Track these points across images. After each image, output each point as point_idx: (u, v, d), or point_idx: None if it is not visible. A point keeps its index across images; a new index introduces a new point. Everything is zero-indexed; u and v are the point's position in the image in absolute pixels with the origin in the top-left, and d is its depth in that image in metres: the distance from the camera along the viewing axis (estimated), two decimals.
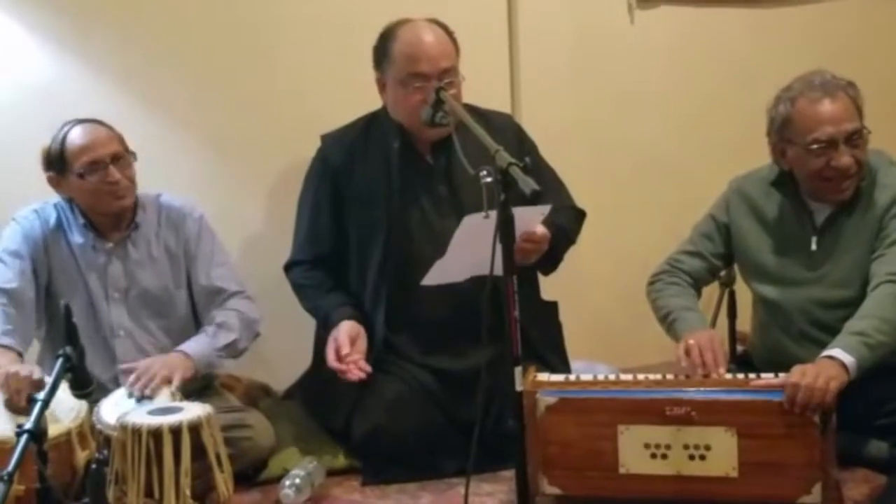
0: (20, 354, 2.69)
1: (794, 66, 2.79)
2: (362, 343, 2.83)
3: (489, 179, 2.24)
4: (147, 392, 2.58)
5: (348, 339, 2.80)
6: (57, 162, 2.79)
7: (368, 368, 2.76)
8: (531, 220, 2.63)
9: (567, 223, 2.98)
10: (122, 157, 2.81)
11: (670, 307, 2.80)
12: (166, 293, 2.91)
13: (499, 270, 2.21)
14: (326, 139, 3.05)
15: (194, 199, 3.03)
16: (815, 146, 2.63)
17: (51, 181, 2.83)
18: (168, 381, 2.61)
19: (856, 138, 2.63)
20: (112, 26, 3.21)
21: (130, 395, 2.60)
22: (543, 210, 2.61)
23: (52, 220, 2.87)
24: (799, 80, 2.70)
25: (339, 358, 2.77)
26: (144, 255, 2.89)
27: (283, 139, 3.36)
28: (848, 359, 2.42)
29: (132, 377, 2.63)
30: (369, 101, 3.03)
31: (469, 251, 2.50)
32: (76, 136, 2.78)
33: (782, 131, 2.69)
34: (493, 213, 2.20)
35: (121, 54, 3.22)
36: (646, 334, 3.55)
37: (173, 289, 2.92)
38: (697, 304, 2.85)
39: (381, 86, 2.96)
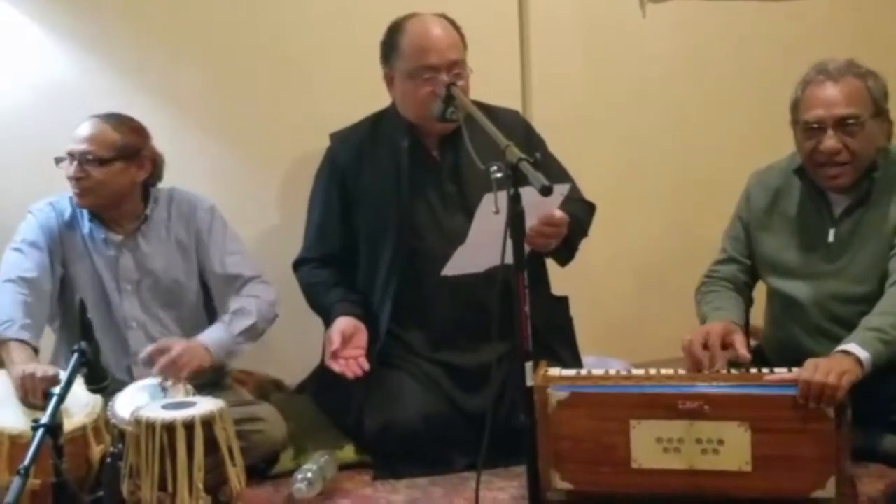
0: (35, 350, 2.70)
1: (806, 58, 2.78)
2: (361, 338, 2.83)
3: (499, 175, 2.24)
4: (167, 384, 2.60)
5: (340, 335, 2.79)
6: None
7: (366, 366, 2.75)
8: (550, 202, 2.60)
9: (580, 214, 2.98)
10: (94, 158, 2.79)
11: (705, 312, 2.82)
12: (177, 285, 2.93)
13: (511, 259, 2.20)
14: (335, 138, 3.05)
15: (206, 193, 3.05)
16: (807, 127, 2.65)
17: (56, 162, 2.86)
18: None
19: (850, 124, 2.62)
20: (128, 25, 3.23)
21: (147, 365, 2.64)
22: (563, 190, 2.60)
23: (67, 212, 2.89)
24: (816, 64, 2.71)
25: (333, 355, 2.77)
26: (155, 247, 2.91)
27: (295, 136, 3.36)
28: (863, 354, 2.41)
29: (151, 349, 2.65)
30: (382, 98, 3.03)
31: (490, 235, 2.48)
32: (80, 125, 2.84)
33: (794, 114, 2.72)
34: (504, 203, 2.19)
35: (136, 53, 3.24)
36: (658, 329, 3.57)
37: (185, 280, 2.94)
38: (735, 303, 2.83)
39: (389, 80, 2.96)
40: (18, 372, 2.54)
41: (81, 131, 2.82)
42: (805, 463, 2.34)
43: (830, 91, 2.63)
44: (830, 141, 2.62)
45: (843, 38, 3.73)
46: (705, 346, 2.58)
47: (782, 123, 2.79)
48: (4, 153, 3.14)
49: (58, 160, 2.82)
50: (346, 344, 2.79)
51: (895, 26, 3.96)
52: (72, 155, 2.80)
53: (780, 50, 3.77)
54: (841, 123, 2.62)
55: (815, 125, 2.64)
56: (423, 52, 2.85)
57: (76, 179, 2.80)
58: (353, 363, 2.76)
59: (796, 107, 2.70)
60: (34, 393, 2.48)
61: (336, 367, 2.76)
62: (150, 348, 2.67)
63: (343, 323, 2.83)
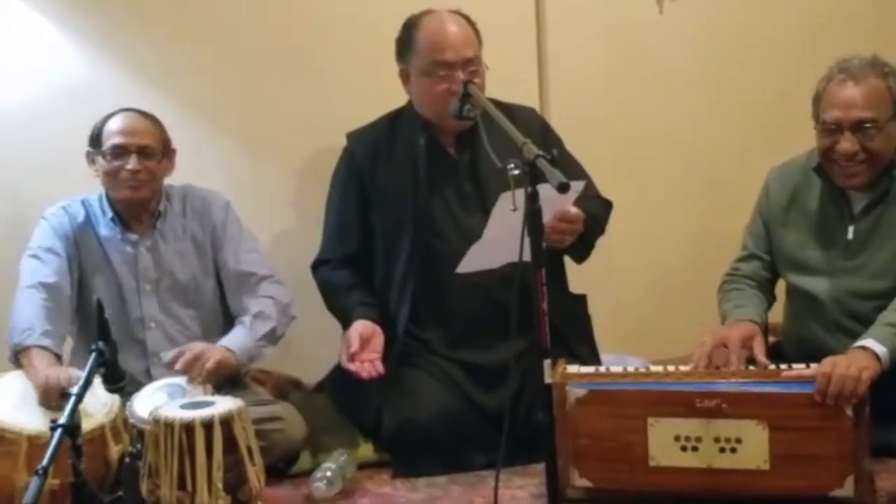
0: (58, 357, 2.69)
1: (824, 55, 2.76)
2: (377, 342, 2.83)
3: (517, 172, 2.24)
4: (189, 371, 2.63)
5: (359, 337, 2.79)
6: (95, 139, 2.86)
7: (381, 369, 2.75)
8: (565, 198, 2.59)
9: (596, 211, 2.97)
10: (152, 152, 2.83)
11: (725, 311, 2.81)
12: (195, 282, 2.94)
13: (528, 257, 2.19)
14: (351, 137, 3.06)
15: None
16: (824, 127, 2.64)
17: (87, 157, 2.87)
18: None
19: (867, 127, 2.60)
20: (143, 25, 3.24)
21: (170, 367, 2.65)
22: (578, 186, 2.58)
23: (81, 216, 2.90)
24: (840, 60, 2.69)
25: (350, 357, 2.77)
26: (172, 245, 2.92)
27: (310, 136, 3.37)
28: (880, 349, 2.41)
29: (175, 352, 2.67)
30: (397, 97, 3.03)
31: (505, 232, 2.47)
32: (117, 118, 2.85)
33: (814, 109, 2.70)
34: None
35: (150, 52, 3.25)
36: (677, 326, 3.55)
37: (201, 278, 2.95)
38: (756, 301, 2.82)
39: (405, 77, 2.97)
40: (41, 377, 2.54)
41: (125, 125, 2.82)
42: (823, 461, 2.33)
43: (850, 92, 2.60)
44: (846, 143, 2.60)
45: (861, 35, 3.70)
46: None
47: (801, 121, 2.77)
48: (19, 151, 3.15)
49: (103, 154, 2.81)
50: (363, 347, 2.80)
51: None
52: (125, 148, 2.80)
53: (798, 47, 3.73)
54: (858, 126, 2.60)
55: (833, 126, 2.62)
56: (439, 48, 2.86)
57: (134, 172, 2.80)
58: (368, 365, 2.76)
59: (817, 103, 2.69)
60: (54, 398, 2.50)
61: (352, 367, 2.76)
62: (172, 352, 2.69)
63: (361, 326, 2.83)
